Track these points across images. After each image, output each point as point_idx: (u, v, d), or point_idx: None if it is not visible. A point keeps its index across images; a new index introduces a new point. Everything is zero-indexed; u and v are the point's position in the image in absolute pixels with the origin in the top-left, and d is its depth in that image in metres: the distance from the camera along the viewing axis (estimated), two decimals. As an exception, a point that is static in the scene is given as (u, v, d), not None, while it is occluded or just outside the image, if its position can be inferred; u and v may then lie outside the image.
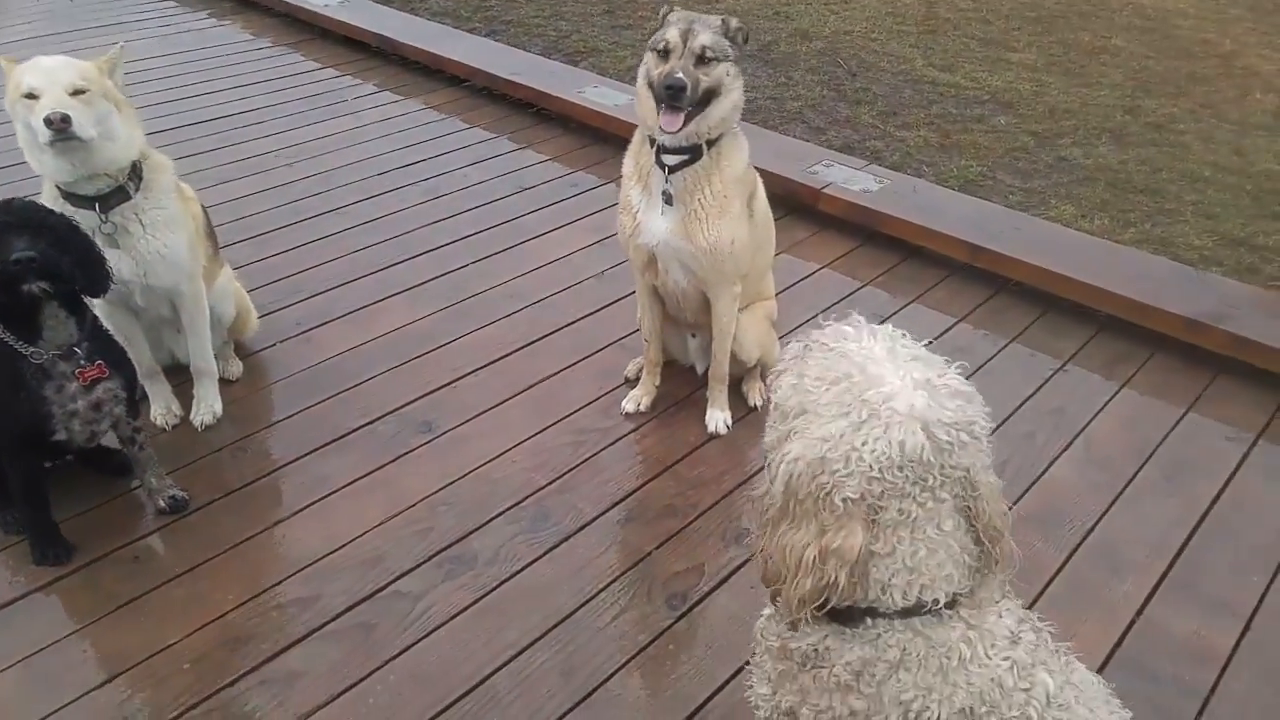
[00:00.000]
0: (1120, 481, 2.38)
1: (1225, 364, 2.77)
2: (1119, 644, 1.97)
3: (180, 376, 2.52)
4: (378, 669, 1.85)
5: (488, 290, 3.01)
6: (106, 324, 2.18)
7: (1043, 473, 2.40)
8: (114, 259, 2.12)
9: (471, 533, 2.15)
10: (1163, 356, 2.83)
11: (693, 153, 2.17)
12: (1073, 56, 5.99)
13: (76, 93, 2.03)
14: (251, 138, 3.99)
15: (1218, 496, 2.35)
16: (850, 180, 3.46)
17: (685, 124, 2.10)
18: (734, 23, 2.16)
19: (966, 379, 1.16)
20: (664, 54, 2.10)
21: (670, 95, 2.05)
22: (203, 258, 2.41)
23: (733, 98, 2.15)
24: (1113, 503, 2.32)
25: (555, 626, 1.94)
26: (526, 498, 2.25)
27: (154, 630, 1.90)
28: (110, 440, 2.17)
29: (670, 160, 2.17)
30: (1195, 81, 5.64)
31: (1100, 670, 1.89)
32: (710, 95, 2.12)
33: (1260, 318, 2.78)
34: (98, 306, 2.21)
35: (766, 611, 1.30)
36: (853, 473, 1.05)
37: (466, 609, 1.97)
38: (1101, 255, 3.12)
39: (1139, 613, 2.04)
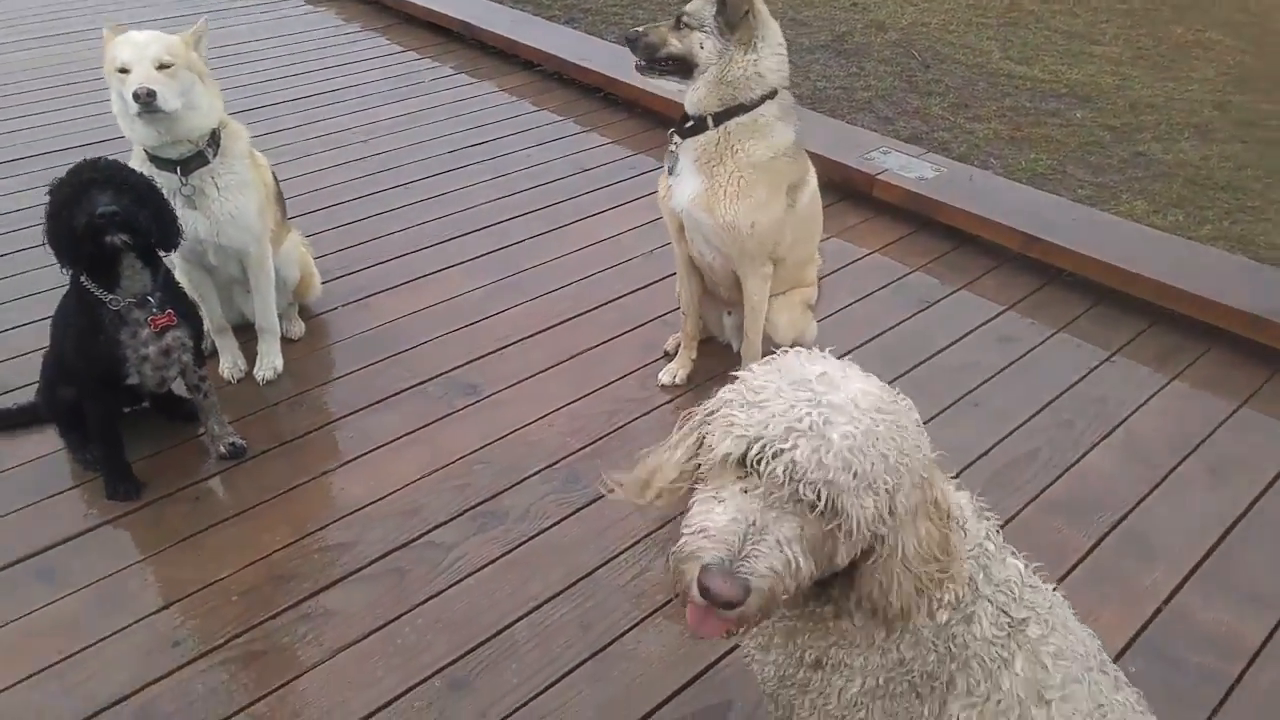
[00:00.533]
0: (1160, 472, 2.34)
1: (1285, 361, 2.69)
2: (1142, 630, 1.95)
3: (248, 334, 2.68)
4: (407, 612, 1.96)
5: (539, 265, 3.11)
6: (182, 281, 2.36)
7: (1077, 460, 2.37)
8: (191, 219, 2.30)
9: (505, 490, 2.25)
10: (1219, 351, 2.75)
11: (698, 122, 2.23)
12: (1162, 50, 5.80)
13: (162, 67, 2.19)
14: (333, 115, 4.17)
15: (1264, 492, 2.29)
16: (906, 168, 3.44)
17: (648, 72, 2.28)
18: (731, 3, 2.16)
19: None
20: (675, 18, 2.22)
21: (627, 43, 2.28)
22: (271, 222, 2.56)
23: (710, 74, 2.19)
24: (1149, 493, 2.28)
25: (577, 582, 2.03)
26: (560, 460, 2.34)
27: (208, 565, 2.05)
28: (179, 389, 2.35)
29: (686, 126, 2.26)
30: (1293, 77, 5.40)
31: (1120, 655, 1.90)
32: (686, 64, 2.18)
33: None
34: (176, 266, 2.39)
35: None
36: None
37: (495, 561, 2.07)
38: (1160, 248, 3.06)
39: (1166, 601, 2.02)
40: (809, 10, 6.52)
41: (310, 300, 2.87)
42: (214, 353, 2.64)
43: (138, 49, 2.18)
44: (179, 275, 2.41)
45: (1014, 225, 3.09)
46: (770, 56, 2.24)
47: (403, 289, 2.99)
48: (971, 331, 2.85)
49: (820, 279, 2.97)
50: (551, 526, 2.16)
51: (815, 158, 3.42)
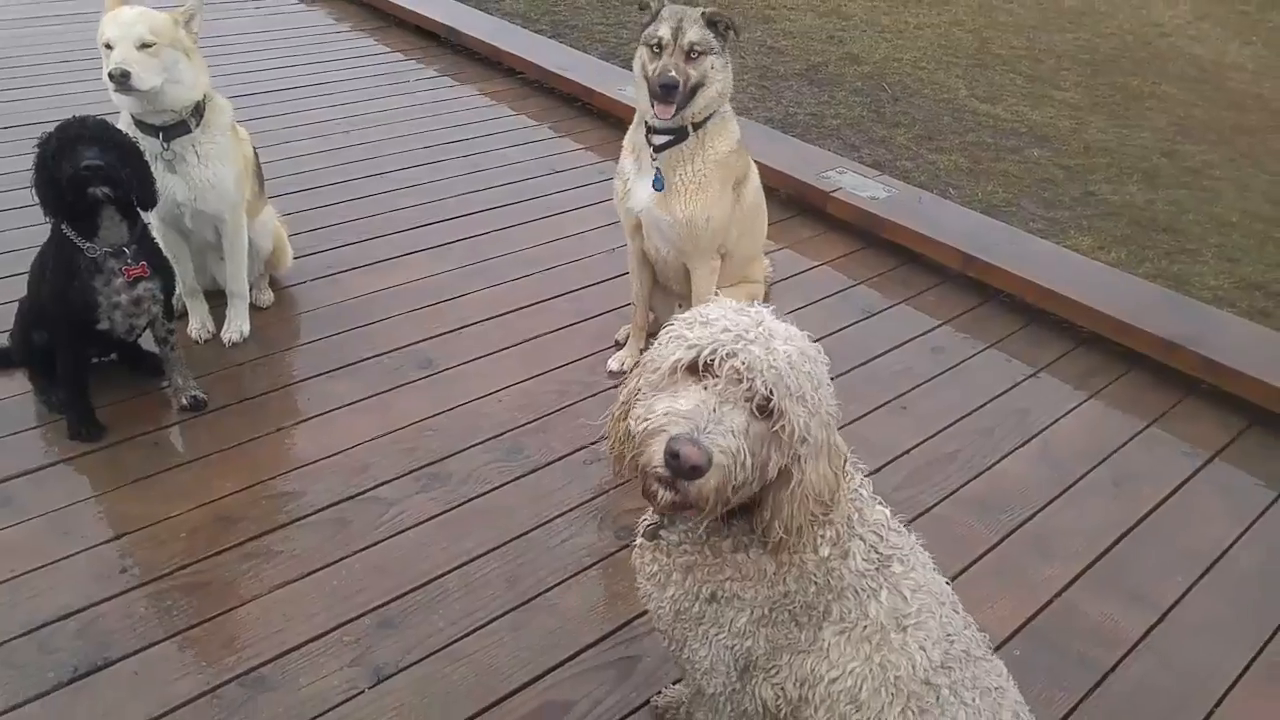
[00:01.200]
0: (1068, 480, 2.50)
1: (1196, 385, 2.86)
2: (1031, 619, 2.09)
3: (219, 300, 2.80)
4: (345, 557, 2.07)
5: (503, 255, 3.25)
6: (160, 243, 2.47)
7: (993, 464, 2.53)
8: (170, 183, 2.42)
9: (450, 456, 2.37)
10: (1137, 374, 2.92)
11: (679, 134, 2.38)
12: (1118, 99, 6.06)
13: (145, 46, 2.32)
14: (318, 107, 4.30)
15: (1161, 503, 2.45)
16: (860, 187, 3.62)
17: (676, 112, 2.31)
18: (718, 16, 2.33)
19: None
20: (657, 49, 2.30)
21: (664, 93, 2.27)
22: (247, 193, 2.68)
23: (717, 86, 2.35)
24: (1056, 497, 2.44)
25: (509, 542, 2.15)
26: (506, 432, 2.47)
27: (159, 504, 2.16)
28: (148, 343, 2.46)
29: (658, 140, 2.38)
30: (1240, 132, 5.67)
31: (1007, 641, 2.04)
32: (698, 86, 2.32)
33: (1236, 343, 2.87)
34: (156, 229, 2.51)
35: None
36: None
37: (433, 518, 2.19)
38: (1090, 274, 3.24)
39: (1058, 595, 2.16)
40: (787, 40, 6.75)
41: (281, 273, 2.99)
42: (184, 314, 2.75)
43: (122, 28, 2.31)
44: (156, 236, 2.52)
45: (954, 244, 3.27)
46: (729, 61, 2.39)
47: (371, 268, 3.12)
48: (908, 341, 3.01)
49: (770, 285, 3.15)
50: (490, 491, 2.29)
51: (776, 174, 3.62)
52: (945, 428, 2.64)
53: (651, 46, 2.32)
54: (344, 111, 4.28)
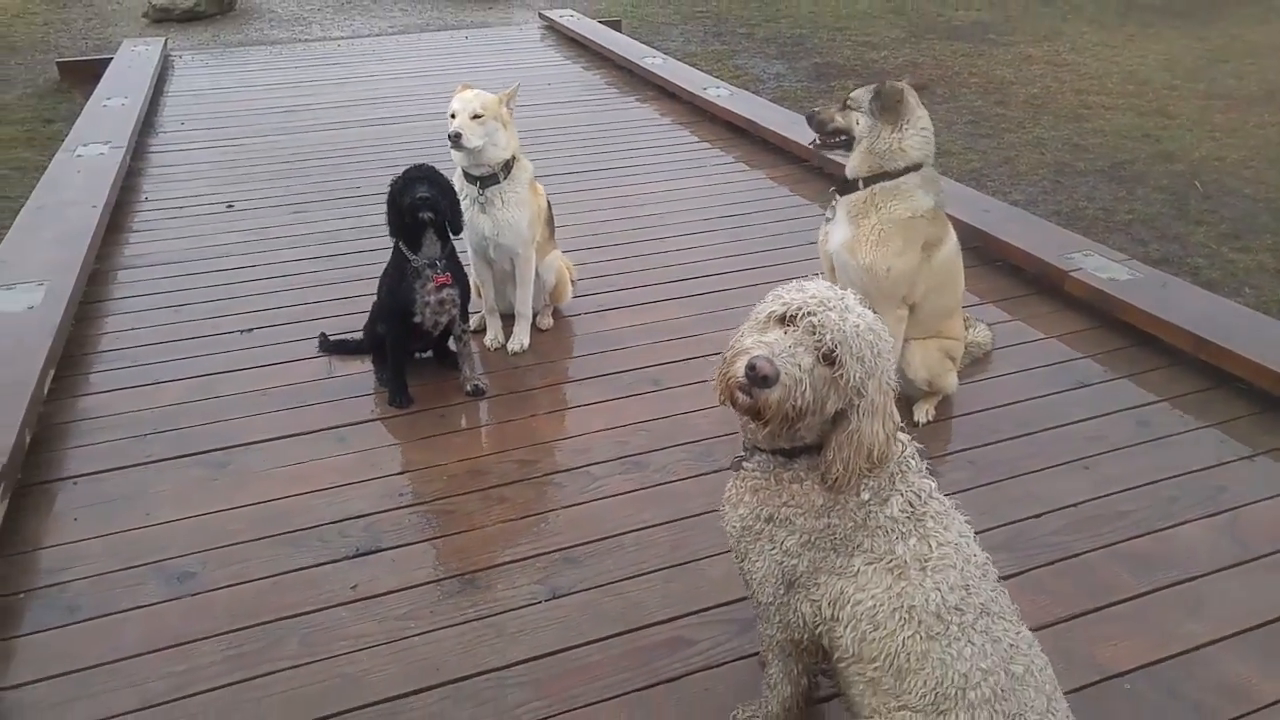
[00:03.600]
0: (1249, 555, 2.44)
1: None
2: (1156, 662, 2.13)
3: (512, 321, 3.56)
4: (553, 509, 2.64)
5: (740, 307, 3.71)
6: (472, 270, 3.27)
7: (1166, 528, 2.53)
8: (481, 221, 3.23)
9: (653, 451, 2.88)
10: (1378, 472, 2.73)
11: (853, 184, 2.79)
12: None
13: (476, 117, 3.16)
14: (625, 181, 5.11)
15: (1359, 594, 2.32)
16: (1102, 269, 3.66)
17: (821, 146, 2.89)
18: (884, 89, 2.73)
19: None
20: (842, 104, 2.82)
21: (807, 120, 2.91)
22: (539, 236, 3.44)
23: (864, 145, 2.75)
24: (1227, 567, 2.40)
25: (680, 520, 2.59)
26: (702, 440, 2.92)
27: (436, 454, 2.88)
28: (452, 345, 3.26)
29: (845, 185, 2.83)
30: None
31: (1120, 676, 2.10)
32: (849, 137, 2.76)
33: None
34: (470, 259, 3.33)
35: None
36: None
37: (626, 493, 2.70)
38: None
39: (1196, 649, 2.16)
40: (1095, 138, 6.66)
41: (562, 304, 3.71)
42: (484, 328, 3.55)
43: (462, 103, 3.16)
44: (471, 265, 3.36)
45: (1187, 327, 3.23)
46: (913, 136, 2.75)
47: (631, 308, 3.76)
48: (1114, 412, 3.04)
49: (990, 350, 3.34)
50: (676, 481, 2.75)
51: (1018, 251, 3.82)
52: (1125, 490, 2.68)
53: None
54: (646, 187, 5.05)
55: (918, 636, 1.57)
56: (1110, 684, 2.07)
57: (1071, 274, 3.66)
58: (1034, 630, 2.12)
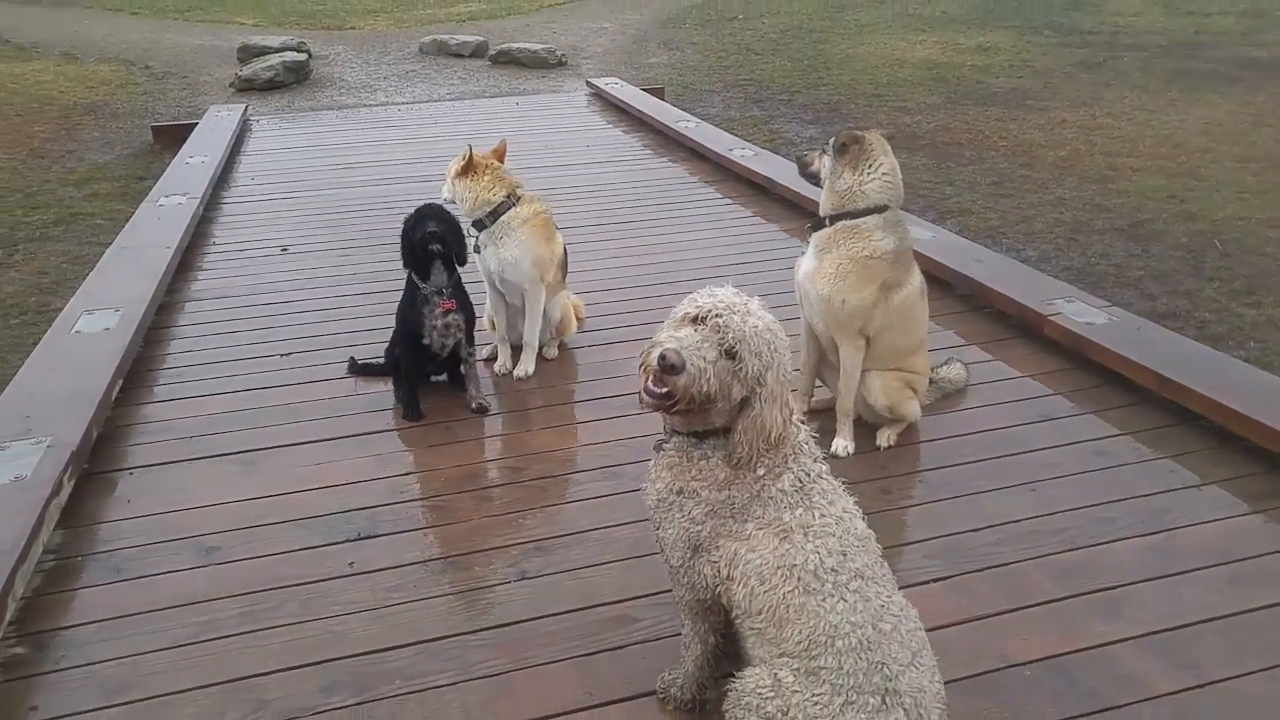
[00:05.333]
0: (1175, 569, 2.59)
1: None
2: (1060, 655, 2.30)
3: (521, 351, 3.91)
4: (532, 509, 2.92)
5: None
6: (489, 301, 3.64)
7: (1099, 544, 2.70)
8: (485, 257, 3.61)
9: (631, 463, 3.12)
10: (1319, 502, 2.84)
11: (820, 221, 3.08)
12: None
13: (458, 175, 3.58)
14: (646, 232, 5.45)
15: (1272, 606, 2.45)
16: (1080, 314, 3.85)
17: (810, 182, 3.19)
18: (845, 136, 3.04)
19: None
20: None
21: (796, 160, 3.22)
22: (549, 277, 3.78)
23: (827, 184, 3.08)
24: (1152, 579, 2.56)
25: (644, 521, 2.81)
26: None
27: (438, 460, 3.21)
28: (465, 370, 3.61)
29: (817, 221, 3.12)
30: None
31: (1022, 665, 2.27)
32: (816, 175, 3.07)
33: None
34: (487, 291, 3.70)
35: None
36: None
37: (601, 498, 2.98)
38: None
39: (1102, 645, 2.33)
40: (1118, 198, 6.81)
41: (567, 338, 4.03)
42: (494, 356, 3.89)
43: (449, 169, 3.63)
44: (487, 297, 3.72)
45: (1152, 367, 3.39)
46: (874, 180, 3.02)
47: (631, 343, 4.04)
48: (1072, 443, 3.21)
49: (966, 386, 3.55)
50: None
51: (1000, 296, 4.04)
52: (1066, 510, 2.85)
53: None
54: (664, 238, 5.37)
55: (796, 591, 1.81)
56: (1011, 670, 2.25)
57: (1050, 318, 3.86)
58: (948, 626, 2.38)
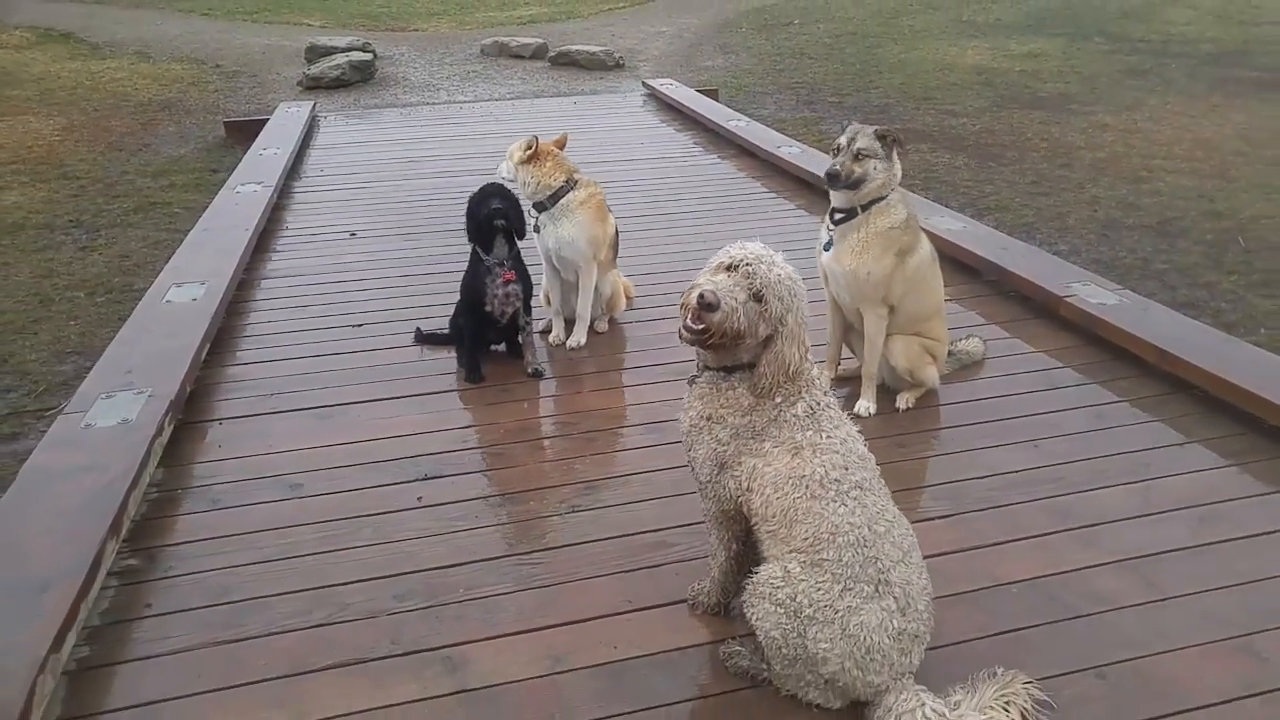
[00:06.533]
0: (1154, 510, 2.88)
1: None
2: (1041, 576, 2.60)
3: (574, 324, 4.27)
4: (582, 455, 3.28)
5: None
6: (545, 277, 4.02)
7: (1087, 490, 2.99)
8: (543, 236, 3.98)
9: (674, 420, 3.48)
10: (1301, 463, 3.10)
11: (850, 213, 3.35)
12: None
13: (523, 162, 3.95)
14: (693, 222, 5.78)
15: (1228, 540, 2.76)
16: (1094, 295, 4.12)
17: (837, 189, 3.32)
18: (886, 132, 3.29)
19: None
20: (835, 151, 3.33)
21: (830, 180, 3.32)
22: (601, 255, 4.14)
23: (877, 180, 3.28)
24: (1131, 518, 2.86)
25: (683, 468, 3.16)
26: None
27: (498, 416, 3.58)
28: (524, 340, 3.99)
29: (838, 216, 3.38)
30: None
31: (1008, 584, 2.58)
32: (860, 180, 3.28)
33: None
34: (544, 269, 4.08)
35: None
36: None
37: (646, 448, 3.33)
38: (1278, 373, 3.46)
39: (1078, 569, 2.63)
40: (1150, 198, 7.00)
41: (616, 314, 4.39)
42: (550, 329, 4.26)
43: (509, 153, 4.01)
44: (545, 273, 4.10)
45: (1153, 341, 3.66)
46: (896, 165, 3.33)
47: (676, 320, 4.40)
48: (1074, 408, 3.49)
49: (984, 358, 3.84)
50: (685, 439, 3.36)
51: (1021, 280, 4.33)
52: (1064, 463, 3.14)
53: (832, 150, 3.36)
54: (710, 228, 5.66)
55: (804, 497, 2.14)
56: (1000, 588, 2.56)
57: (1066, 299, 4.13)
58: (948, 554, 2.71)
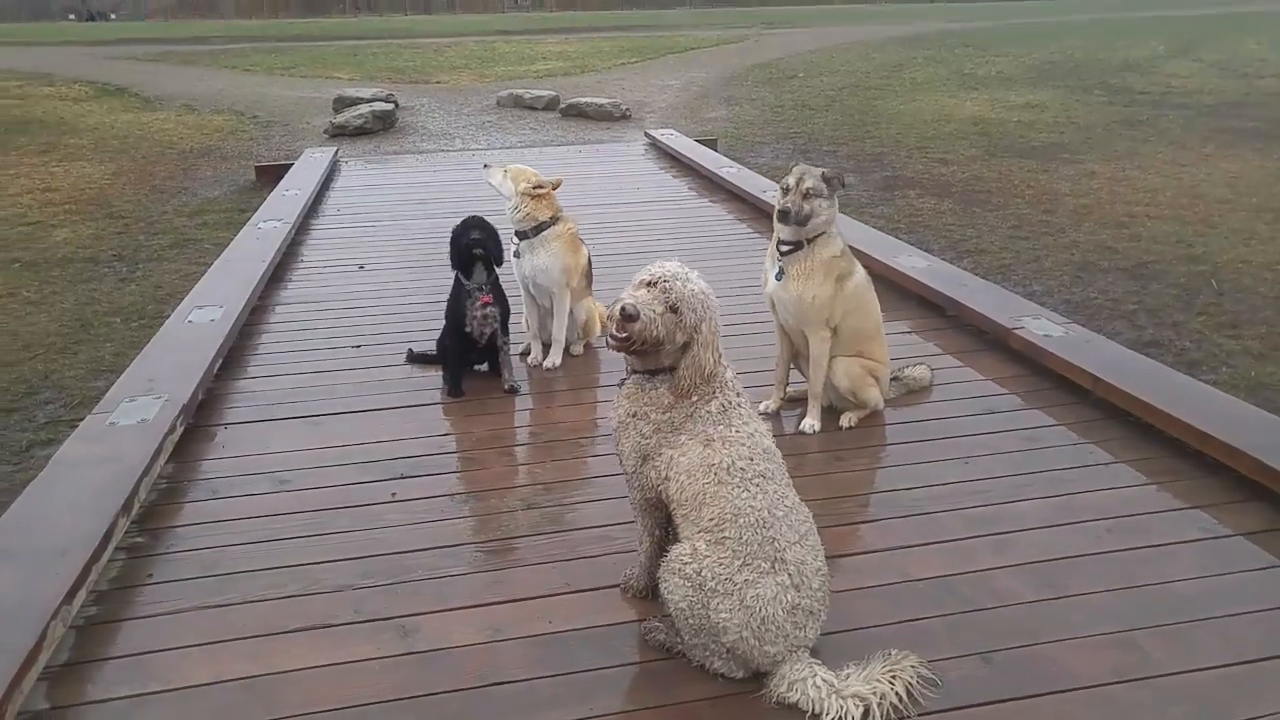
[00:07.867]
0: (1065, 520, 3.09)
1: (1266, 493, 3.18)
2: (947, 575, 2.82)
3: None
4: (548, 460, 3.56)
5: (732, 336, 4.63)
6: (525, 302, 4.34)
7: (1007, 502, 3.21)
8: (521, 264, 4.31)
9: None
10: (1220, 482, 3.29)
11: (797, 245, 3.64)
12: None
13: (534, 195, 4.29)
14: (675, 258, 6.12)
15: (1135, 549, 2.95)
16: (1041, 329, 4.36)
17: (788, 224, 3.60)
18: (831, 175, 3.60)
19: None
20: (784, 191, 3.63)
21: (781, 217, 3.61)
22: (574, 283, 4.46)
23: (823, 217, 3.58)
24: (1043, 527, 3.06)
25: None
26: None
27: (473, 427, 3.88)
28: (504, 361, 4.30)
29: (784, 248, 3.68)
30: None
31: (914, 582, 2.80)
32: (809, 217, 3.58)
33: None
34: (521, 295, 4.40)
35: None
36: None
37: (603, 456, 3.59)
38: (1205, 401, 3.69)
39: (983, 570, 2.84)
40: (1129, 243, 7.24)
41: (591, 339, 4.70)
42: (528, 351, 4.57)
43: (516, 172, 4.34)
44: (524, 300, 4.42)
45: (1087, 368, 3.90)
46: (835, 203, 3.63)
47: (649, 344, 4.71)
48: (1011, 430, 3.73)
49: (931, 385, 4.09)
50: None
51: (973, 313, 4.58)
52: (990, 478, 3.37)
53: (780, 189, 3.67)
54: (699, 264, 6.00)
55: (712, 483, 2.40)
56: (908, 584, 2.79)
57: (1015, 331, 4.38)
58: (866, 553, 2.95)
